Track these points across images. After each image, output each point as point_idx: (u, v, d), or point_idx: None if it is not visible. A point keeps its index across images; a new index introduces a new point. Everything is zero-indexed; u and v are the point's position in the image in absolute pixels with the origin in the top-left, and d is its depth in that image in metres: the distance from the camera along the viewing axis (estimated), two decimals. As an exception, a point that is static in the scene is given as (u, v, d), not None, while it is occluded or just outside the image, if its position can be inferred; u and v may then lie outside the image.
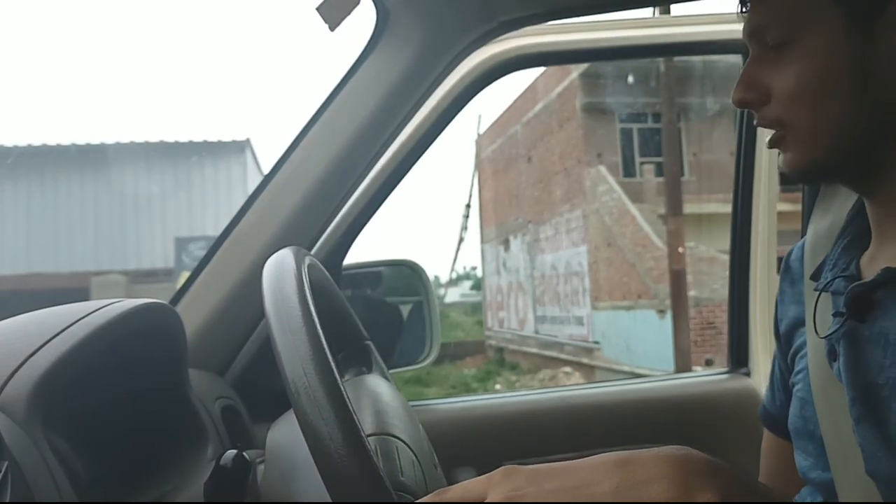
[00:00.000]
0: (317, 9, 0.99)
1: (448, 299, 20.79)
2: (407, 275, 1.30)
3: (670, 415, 1.29)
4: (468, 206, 12.09)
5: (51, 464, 0.62)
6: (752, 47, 0.69)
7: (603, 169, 11.89)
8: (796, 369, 0.77)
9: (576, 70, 12.03)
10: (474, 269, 25.30)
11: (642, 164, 12.30)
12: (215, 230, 10.98)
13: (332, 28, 1.01)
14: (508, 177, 15.13)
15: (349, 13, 1.01)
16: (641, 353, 10.06)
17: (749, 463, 0.85)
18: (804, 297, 0.76)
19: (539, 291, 13.63)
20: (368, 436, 0.68)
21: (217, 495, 0.70)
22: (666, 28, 1.21)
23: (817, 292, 0.71)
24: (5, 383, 0.63)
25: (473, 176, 14.50)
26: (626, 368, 9.83)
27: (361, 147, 1.07)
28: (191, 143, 11.27)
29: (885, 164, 0.66)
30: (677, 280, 8.38)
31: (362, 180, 1.10)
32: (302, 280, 0.64)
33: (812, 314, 0.71)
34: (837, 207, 0.78)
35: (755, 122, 0.70)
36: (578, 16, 1.11)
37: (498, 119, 15.46)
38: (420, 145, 1.13)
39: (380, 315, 1.29)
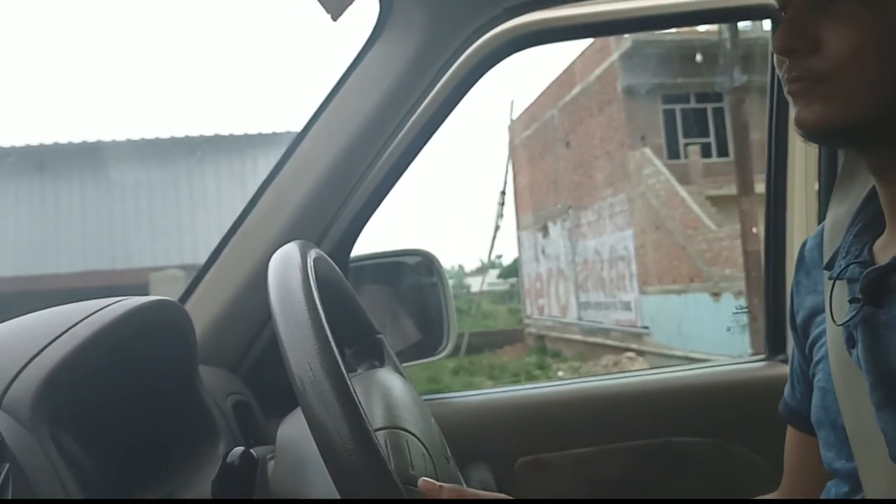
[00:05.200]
0: None
1: (475, 288, 20.81)
2: (420, 264, 1.26)
3: (700, 404, 1.25)
4: (503, 192, 12.04)
5: (56, 464, 0.62)
6: None
7: (648, 151, 11.76)
8: (815, 359, 0.76)
9: (616, 51, 11.88)
10: (500, 257, 25.33)
11: (687, 145, 12.11)
12: None
13: (334, 18, 1.01)
14: (545, 162, 14.99)
15: (351, 2, 1.00)
16: (695, 337, 9.89)
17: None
18: (821, 287, 0.75)
19: (582, 277, 13.51)
20: (378, 430, 0.68)
21: (225, 492, 0.70)
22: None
23: (832, 280, 0.70)
24: (10, 385, 0.63)
25: (508, 163, 14.40)
26: (678, 353, 9.69)
27: (368, 138, 1.06)
28: (246, 135, 11.26)
29: None
30: (753, 261, 8.17)
31: (370, 171, 1.09)
32: (307, 274, 0.64)
33: (829, 302, 0.70)
34: (855, 195, 0.76)
35: (786, 75, 0.65)
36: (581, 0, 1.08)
37: (532, 104, 15.34)
38: (425, 132, 1.11)
39: (393, 307, 1.27)
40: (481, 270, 24.49)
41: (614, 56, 12.01)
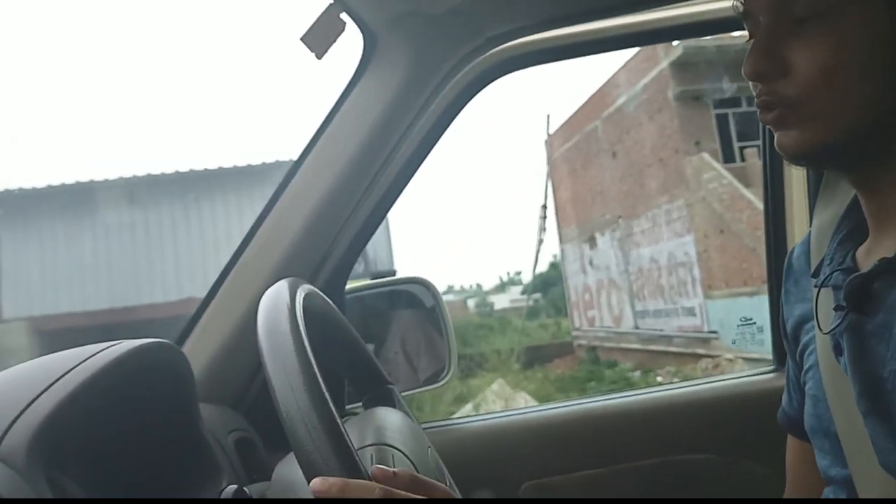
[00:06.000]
0: (301, 38, 1.00)
1: (498, 306, 20.63)
2: (419, 293, 1.26)
3: (707, 420, 1.22)
4: (544, 206, 11.97)
5: None
6: (768, 18, 0.65)
7: (707, 156, 11.67)
8: (805, 367, 0.76)
9: (665, 59, 11.86)
10: (519, 273, 25.13)
11: (742, 148, 11.98)
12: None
13: (318, 56, 1.03)
14: (589, 174, 14.92)
15: (335, 40, 1.02)
16: (770, 339, 9.56)
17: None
18: (809, 294, 0.75)
19: (637, 286, 13.34)
20: (365, 446, 0.69)
21: None
22: (670, 10, 1.13)
23: (817, 288, 0.71)
24: (5, 433, 0.63)
25: (547, 177, 14.33)
26: (755, 356, 9.46)
27: (359, 170, 1.07)
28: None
29: (889, 151, 0.64)
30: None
31: (363, 202, 1.10)
32: (294, 310, 0.65)
33: (815, 310, 0.71)
34: (839, 201, 0.76)
35: (757, 97, 0.66)
36: (566, 26, 1.10)
37: (571, 117, 15.32)
38: (413, 160, 1.12)
39: (392, 335, 1.27)
40: (501, 288, 24.39)
41: (663, 64, 12.01)
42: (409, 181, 1.13)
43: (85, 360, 0.74)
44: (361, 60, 1.07)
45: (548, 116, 15.34)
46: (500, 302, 21.46)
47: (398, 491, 0.57)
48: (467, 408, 8.14)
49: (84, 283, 10.61)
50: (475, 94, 1.13)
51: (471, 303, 21.39)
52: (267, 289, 0.69)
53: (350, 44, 1.05)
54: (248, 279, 1.07)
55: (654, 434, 1.21)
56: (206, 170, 10.94)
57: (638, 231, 13.35)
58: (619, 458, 1.17)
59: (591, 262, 15.02)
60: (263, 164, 10.62)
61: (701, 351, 11.13)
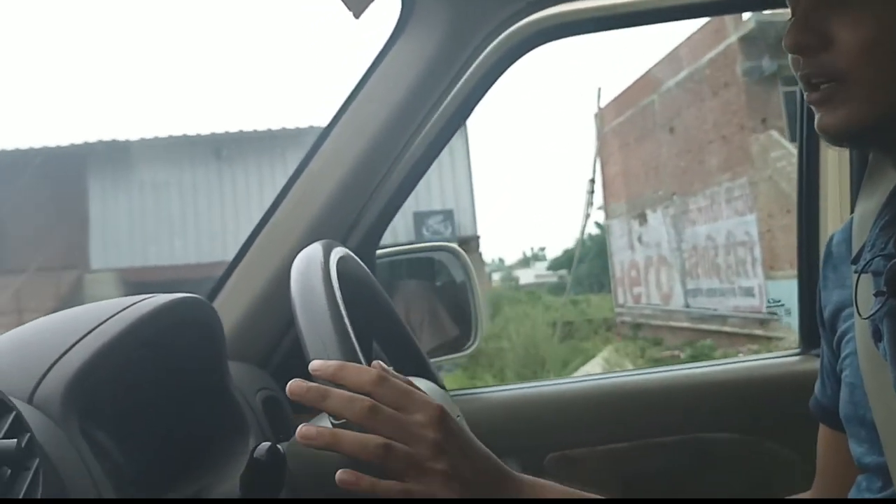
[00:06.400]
0: None
1: (523, 280, 20.44)
2: (447, 260, 1.25)
3: (733, 400, 1.21)
4: (592, 181, 11.86)
5: (87, 459, 0.63)
6: None
7: (775, 134, 11.41)
8: (843, 355, 0.75)
9: (735, 34, 11.51)
10: (543, 249, 24.84)
11: (811, 127, 11.56)
12: (441, 205, 11.45)
13: (356, 16, 1.02)
14: (642, 149, 14.65)
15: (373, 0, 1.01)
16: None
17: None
18: (848, 281, 0.74)
19: (690, 264, 13.15)
20: None
21: (252, 487, 0.71)
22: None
23: (857, 274, 0.70)
24: (40, 381, 0.64)
25: (596, 151, 14.11)
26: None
27: (393, 135, 1.06)
28: None
29: None
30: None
31: (395, 168, 1.09)
32: (328, 270, 0.65)
33: (855, 296, 0.70)
34: (884, 189, 0.74)
35: (800, 72, 0.65)
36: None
37: (625, 91, 14.99)
38: (448, 127, 1.11)
39: (419, 302, 1.27)
40: (525, 263, 24.17)
41: (732, 38, 11.65)
42: (443, 147, 1.12)
43: (119, 312, 0.74)
44: (398, 23, 1.06)
45: (599, 90, 15.04)
46: (525, 277, 21.37)
47: (393, 377, 0.60)
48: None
49: (172, 237, 10.87)
50: (514, 62, 1.10)
51: (495, 276, 21.34)
52: (298, 250, 0.70)
53: (387, 4, 1.04)
54: (278, 240, 1.07)
55: (679, 411, 1.20)
56: (296, 128, 11.11)
57: (694, 208, 13.13)
58: (643, 434, 1.16)
59: (639, 239, 14.84)
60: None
61: (759, 332, 10.94)
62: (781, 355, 1.35)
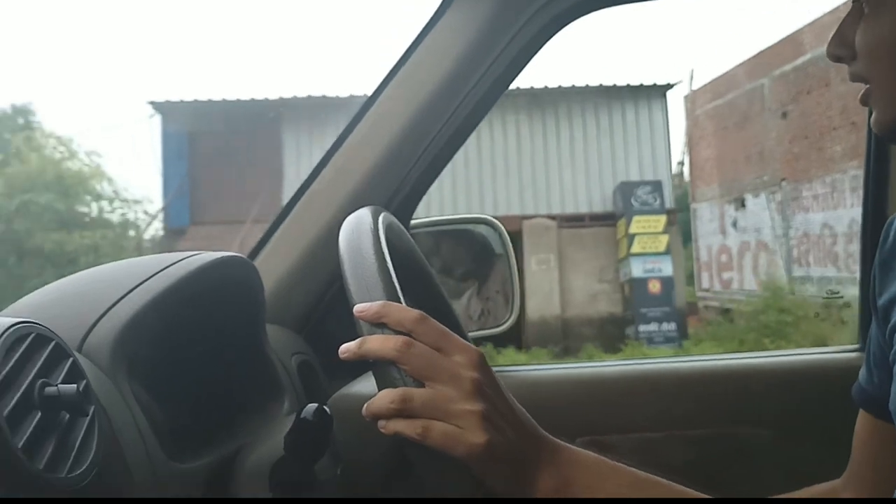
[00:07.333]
0: None
1: None
2: (485, 233, 1.21)
3: (779, 395, 1.14)
4: (681, 163, 11.47)
5: (134, 411, 0.64)
6: (853, 2, 0.68)
7: None
8: None
9: None
10: None
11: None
12: (639, 175, 11.49)
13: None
14: (745, 133, 14.09)
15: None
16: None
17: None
18: None
19: (801, 251, 12.62)
20: None
21: (297, 447, 0.71)
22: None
23: None
24: (89, 331, 0.65)
25: (686, 134, 13.60)
26: None
27: (438, 106, 1.05)
28: (614, 86, 11.66)
29: None
30: None
31: (437, 139, 1.07)
32: (378, 235, 0.65)
33: None
34: None
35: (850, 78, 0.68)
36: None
37: (725, 74, 14.37)
38: (487, 98, 1.08)
39: (455, 275, 1.25)
40: None
41: None
42: (483, 117, 1.09)
43: (166, 268, 0.74)
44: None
45: (692, 71, 14.42)
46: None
47: (433, 323, 0.60)
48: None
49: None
50: (559, 30, 1.06)
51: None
52: (340, 216, 0.69)
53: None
54: (320, 205, 1.07)
55: (720, 402, 1.14)
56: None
57: (808, 195, 12.62)
58: (681, 425, 1.11)
59: (734, 224, 14.36)
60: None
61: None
62: (839, 350, 1.26)
